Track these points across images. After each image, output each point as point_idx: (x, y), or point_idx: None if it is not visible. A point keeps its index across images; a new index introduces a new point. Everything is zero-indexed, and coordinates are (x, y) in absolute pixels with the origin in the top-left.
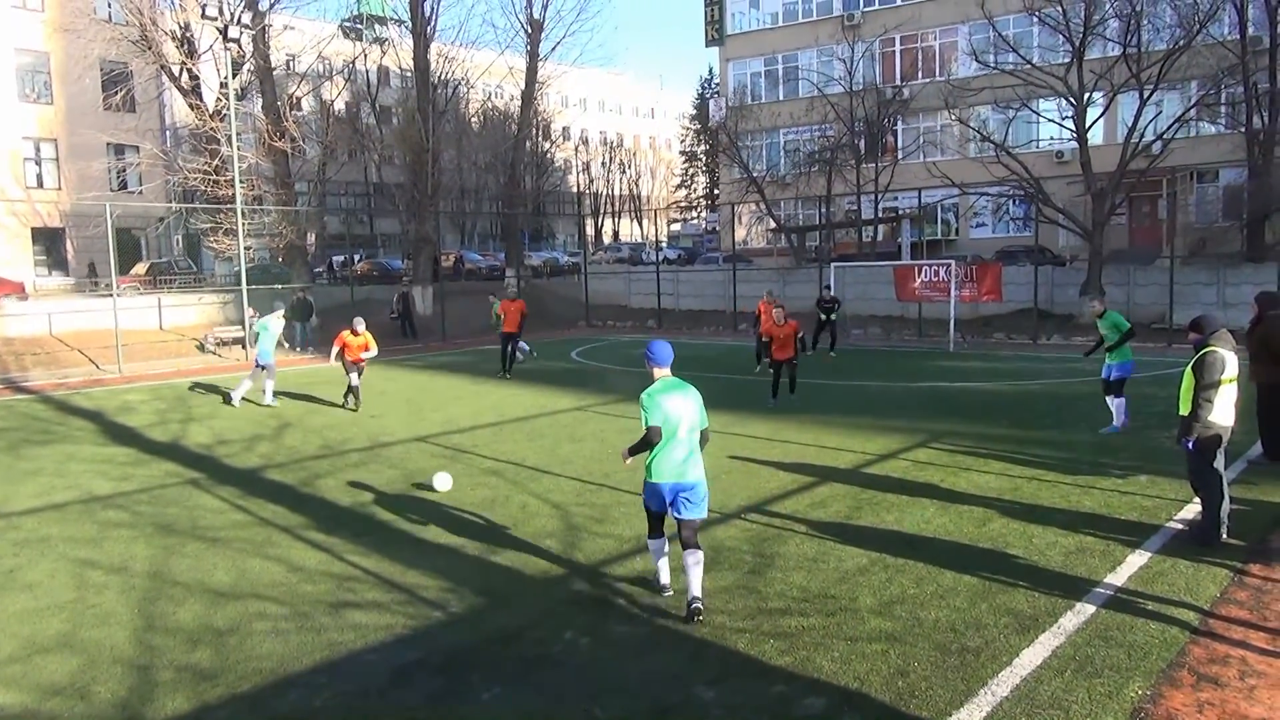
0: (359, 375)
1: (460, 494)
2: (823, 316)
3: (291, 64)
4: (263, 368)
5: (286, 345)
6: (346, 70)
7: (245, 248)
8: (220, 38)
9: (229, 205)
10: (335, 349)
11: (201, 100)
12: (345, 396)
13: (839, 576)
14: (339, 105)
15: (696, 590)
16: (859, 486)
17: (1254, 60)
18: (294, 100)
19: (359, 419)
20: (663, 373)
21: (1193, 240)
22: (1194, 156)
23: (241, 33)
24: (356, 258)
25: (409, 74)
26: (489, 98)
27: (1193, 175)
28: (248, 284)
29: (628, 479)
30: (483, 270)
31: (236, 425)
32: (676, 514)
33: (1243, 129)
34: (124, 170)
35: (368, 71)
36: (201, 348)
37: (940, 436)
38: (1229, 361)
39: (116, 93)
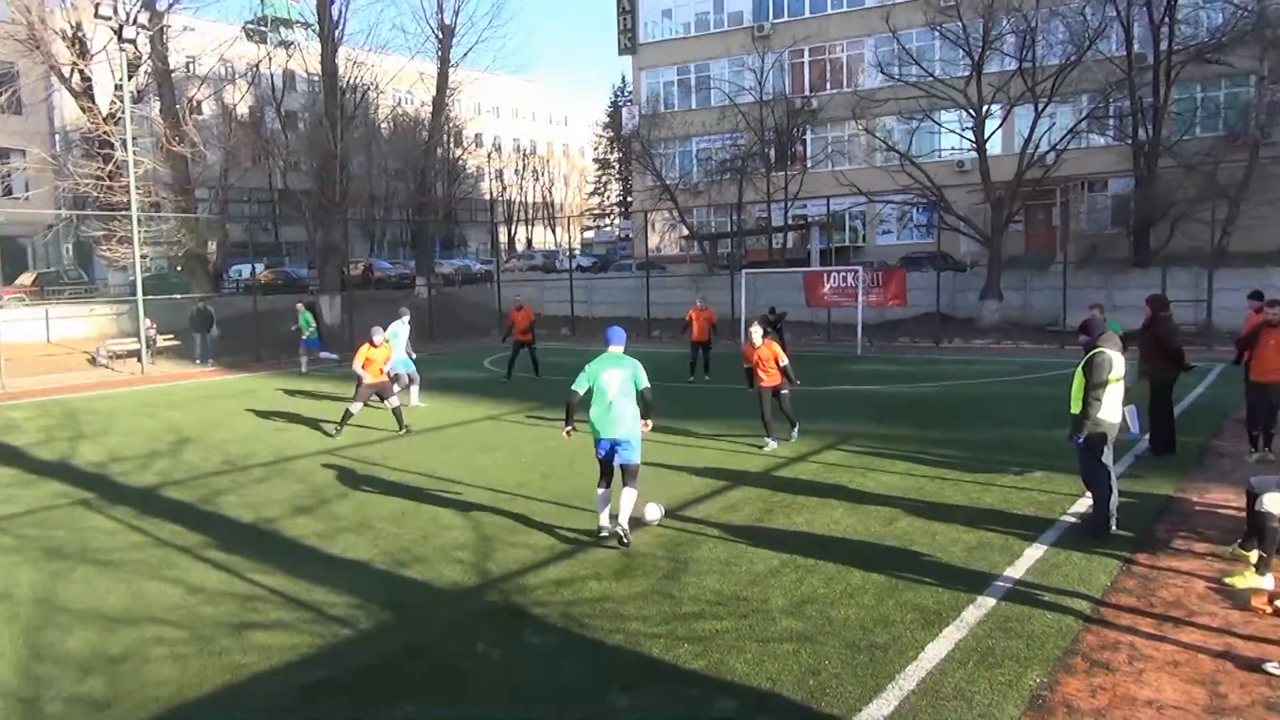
0: (393, 395)
1: (369, 507)
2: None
3: (191, 66)
4: (395, 377)
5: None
6: (250, 73)
7: (141, 256)
8: (115, 38)
9: (124, 212)
10: (357, 366)
11: (94, 103)
12: (342, 421)
13: (751, 579)
14: (242, 109)
15: (624, 519)
16: (770, 489)
17: (1139, 75)
18: (194, 104)
19: (263, 434)
20: (612, 349)
21: (1084, 247)
22: (1085, 167)
23: (138, 33)
24: (259, 266)
25: (316, 78)
26: (399, 103)
27: (1084, 185)
28: (144, 294)
29: (542, 488)
30: (392, 278)
31: (131, 442)
32: (617, 461)
33: (1129, 141)
34: (9, 175)
35: (272, 75)
36: (93, 361)
37: (849, 438)
38: (1116, 362)
39: (1, 94)
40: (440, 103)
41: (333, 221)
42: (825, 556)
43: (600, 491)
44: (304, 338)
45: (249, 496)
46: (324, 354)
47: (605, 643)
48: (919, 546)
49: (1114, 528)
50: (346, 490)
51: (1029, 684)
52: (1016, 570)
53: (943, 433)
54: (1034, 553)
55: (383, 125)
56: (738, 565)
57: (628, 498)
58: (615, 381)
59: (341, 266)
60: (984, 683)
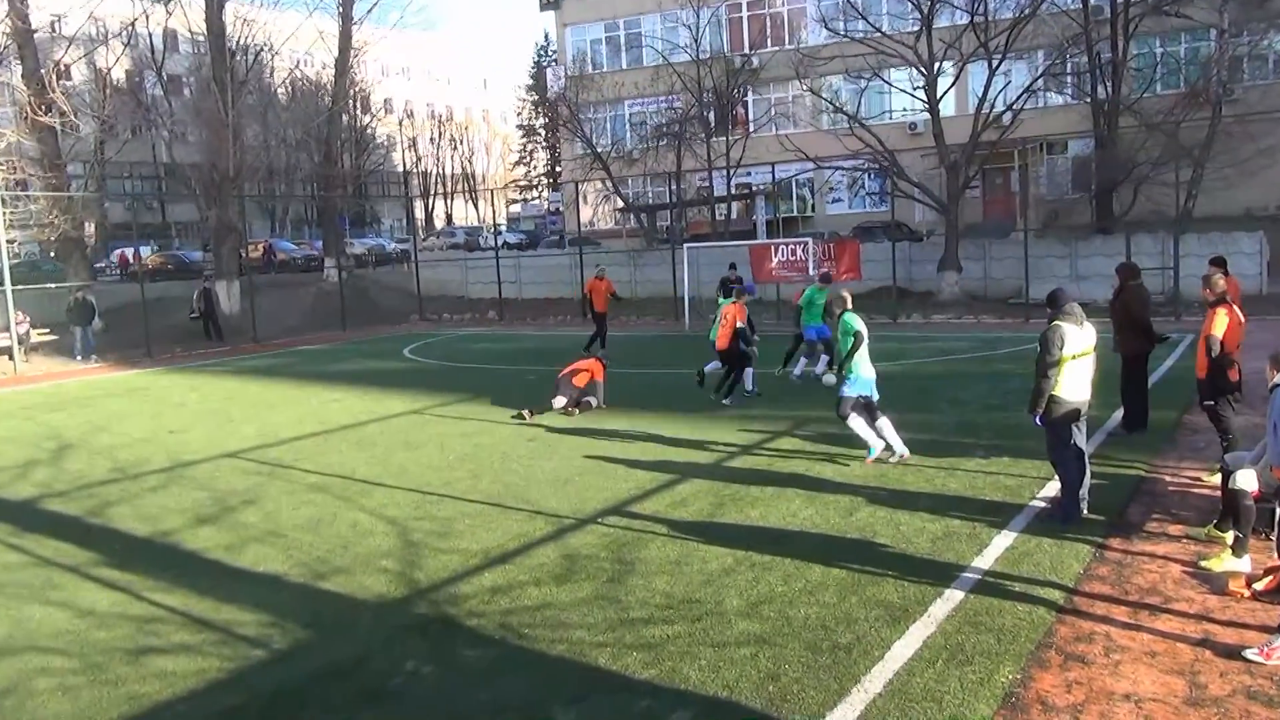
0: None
1: (280, 514)
2: (722, 300)
3: (57, 25)
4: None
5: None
6: (125, 33)
7: (8, 241)
8: None
9: None
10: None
11: None
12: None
13: (704, 579)
14: (118, 74)
15: None
16: (721, 481)
17: (1096, 29)
18: (62, 68)
19: (158, 436)
20: None
21: (1045, 213)
22: (1043, 128)
23: None
24: (147, 249)
25: (201, 38)
26: (297, 66)
27: (1043, 147)
28: (12, 284)
29: (472, 488)
30: (298, 261)
31: (5, 450)
32: None
33: (1088, 99)
34: None
35: (151, 35)
36: None
37: (803, 424)
38: (1071, 336)
39: None
40: (343, 65)
41: (227, 198)
42: (782, 552)
43: None
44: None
45: (143, 507)
46: None
47: (547, 654)
48: (882, 538)
49: (1086, 511)
50: (254, 496)
51: (1001, 681)
52: (985, 560)
53: (903, 415)
54: (1003, 541)
55: (280, 90)
56: (689, 565)
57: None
58: None
59: (239, 248)
60: (954, 682)
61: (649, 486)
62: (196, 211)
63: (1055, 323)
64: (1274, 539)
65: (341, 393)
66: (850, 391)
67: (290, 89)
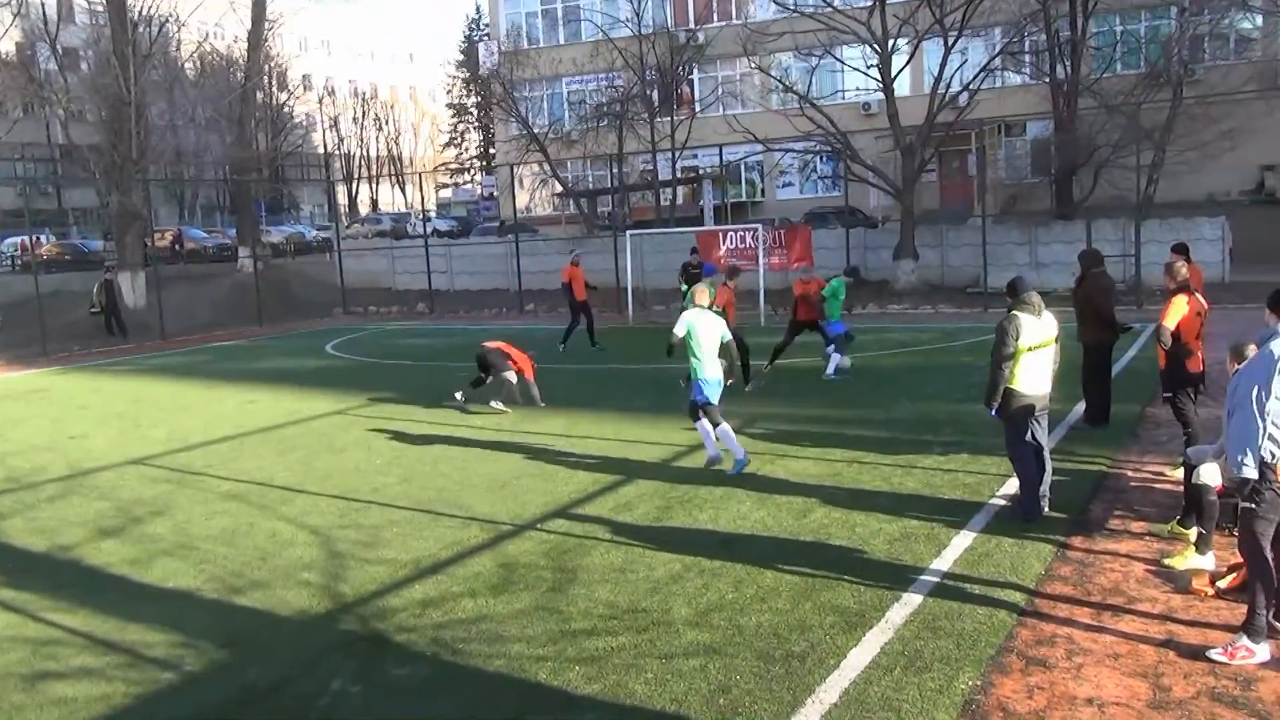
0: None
1: (192, 525)
2: (685, 287)
3: None
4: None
5: None
6: (15, 2)
7: None
8: None
9: None
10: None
11: None
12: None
13: (650, 587)
14: (7, 47)
15: None
16: (668, 483)
17: (1055, 6)
18: None
19: (56, 442)
20: None
21: (1003, 198)
22: (1001, 109)
23: None
24: (41, 238)
25: (100, 8)
26: (207, 38)
27: (1000, 129)
28: None
29: (401, 493)
30: (209, 250)
31: None
32: None
33: (1047, 79)
34: None
35: (44, 4)
36: None
37: (754, 421)
38: (1028, 327)
39: None
40: (257, 37)
41: (130, 182)
42: (733, 557)
43: None
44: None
45: (40, 519)
46: None
47: (484, 670)
48: (837, 540)
49: (1047, 509)
50: (163, 506)
51: (961, 688)
52: (944, 562)
53: (859, 411)
54: (962, 541)
55: (188, 65)
56: (634, 572)
57: None
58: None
59: (144, 237)
60: (913, 689)
61: (591, 489)
62: (96, 197)
63: (1012, 312)
64: (1237, 535)
65: (258, 393)
66: (699, 396)
67: (199, 64)
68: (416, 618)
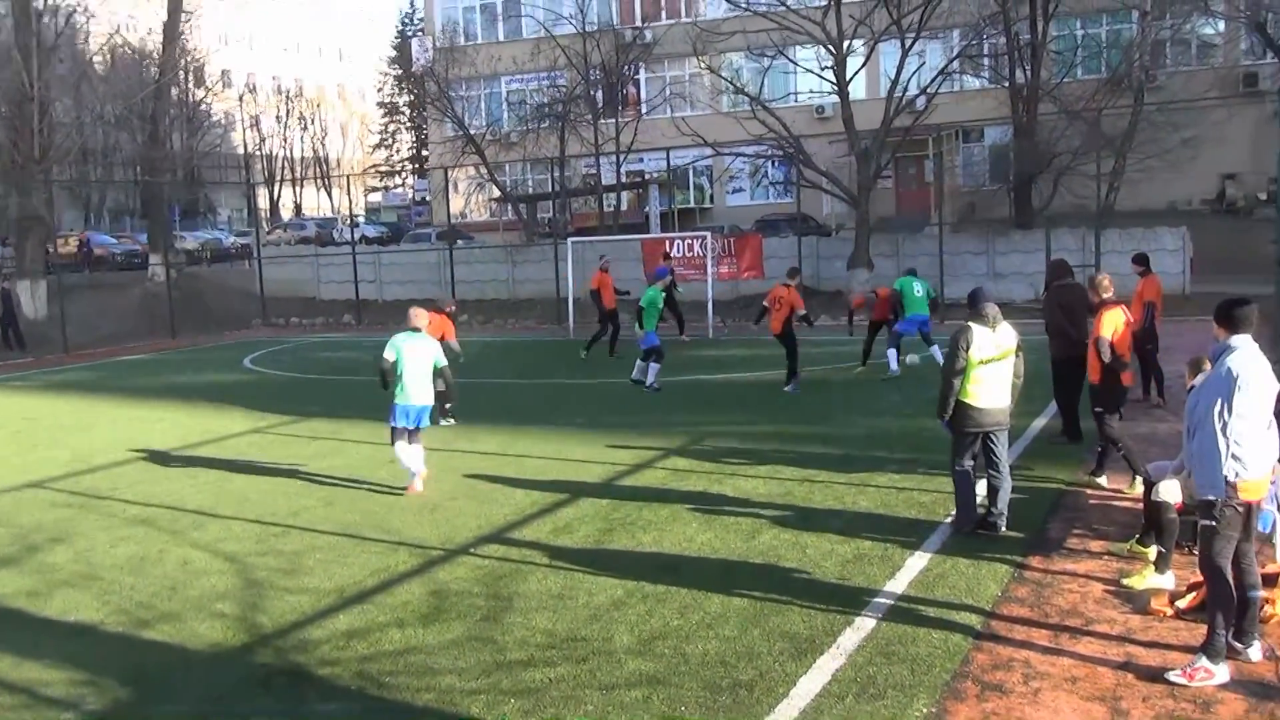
0: None
1: (95, 553)
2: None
3: None
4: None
5: None
6: None
7: None
8: None
9: None
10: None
11: None
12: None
13: (590, 614)
14: None
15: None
16: (611, 503)
17: (1015, 8)
18: None
19: None
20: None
21: (961, 206)
22: (959, 114)
23: None
24: None
25: None
26: (118, 31)
27: (958, 134)
28: None
29: (324, 517)
30: (118, 257)
31: None
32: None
33: (1006, 83)
34: None
35: None
36: None
37: (701, 438)
38: (980, 339)
39: None
40: (173, 30)
41: (31, 184)
42: (678, 581)
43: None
44: None
45: None
46: None
47: (413, 704)
48: (787, 563)
49: (1004, 528)
50: (64, 532)
51: (915, 715)
52: (898, 584)
53: (810, 427)
54: (916, 562)
55: (97, 59)
56: (573, 598)
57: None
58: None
59: (46, 243)
60: (865, 718)
61: (529, 511)
62: None
63: (965, 324)
64: (1198, 553)
65: (170, 410)
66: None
67: (109, 57)
68: (340, 650)
